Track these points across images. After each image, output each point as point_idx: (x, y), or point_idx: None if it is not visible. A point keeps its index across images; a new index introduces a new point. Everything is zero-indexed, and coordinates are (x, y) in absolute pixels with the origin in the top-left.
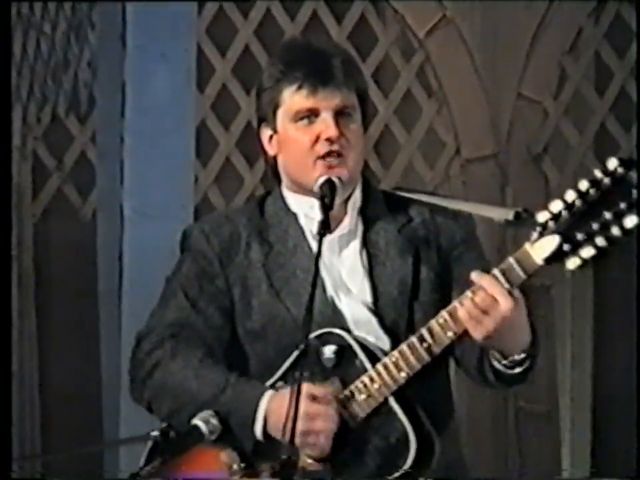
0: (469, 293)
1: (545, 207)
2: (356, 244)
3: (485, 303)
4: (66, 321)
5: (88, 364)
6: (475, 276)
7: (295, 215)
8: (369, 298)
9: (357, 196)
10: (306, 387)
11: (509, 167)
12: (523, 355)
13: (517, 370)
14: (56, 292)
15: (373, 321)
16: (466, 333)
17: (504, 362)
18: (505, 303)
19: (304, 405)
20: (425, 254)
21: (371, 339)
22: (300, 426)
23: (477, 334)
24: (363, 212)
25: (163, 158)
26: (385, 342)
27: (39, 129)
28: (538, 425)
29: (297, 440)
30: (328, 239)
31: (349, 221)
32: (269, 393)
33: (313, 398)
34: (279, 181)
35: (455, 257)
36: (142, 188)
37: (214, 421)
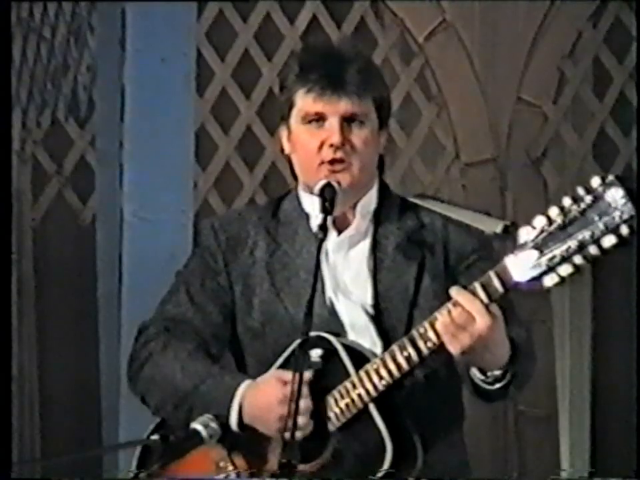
0: (449, 306)
1: (544, 211)
2: (365, 246)
3: (461, 318)
4: (65, 324)
5: (87, 367)
6: (453, 291)
7: (307, 215)
8: (369, 301)
9: (371, 200)
10: (275, 374)
11: (509, 171)
12: (501, 371)
13: (497, 386)
14: (56, 296)
15: (370, 325)
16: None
17: (482, 377)
18: (481, 321)
19: (277, 389)
20: (430, 261)
21: (366, 343)
22: (278, 410)
23: (452, 348)
24: (376, 215)
25: (162, 162)
26: (379, 348)
27: (39, 133)
28: (537, 429)
29: (279, 426)
30: (337, 239)
31: (357, 224)
32: (245, 383)
33: (284, 382)
34: (297, 179)
35: (463, 269)
36: (141, 192)
37: (213, 424)
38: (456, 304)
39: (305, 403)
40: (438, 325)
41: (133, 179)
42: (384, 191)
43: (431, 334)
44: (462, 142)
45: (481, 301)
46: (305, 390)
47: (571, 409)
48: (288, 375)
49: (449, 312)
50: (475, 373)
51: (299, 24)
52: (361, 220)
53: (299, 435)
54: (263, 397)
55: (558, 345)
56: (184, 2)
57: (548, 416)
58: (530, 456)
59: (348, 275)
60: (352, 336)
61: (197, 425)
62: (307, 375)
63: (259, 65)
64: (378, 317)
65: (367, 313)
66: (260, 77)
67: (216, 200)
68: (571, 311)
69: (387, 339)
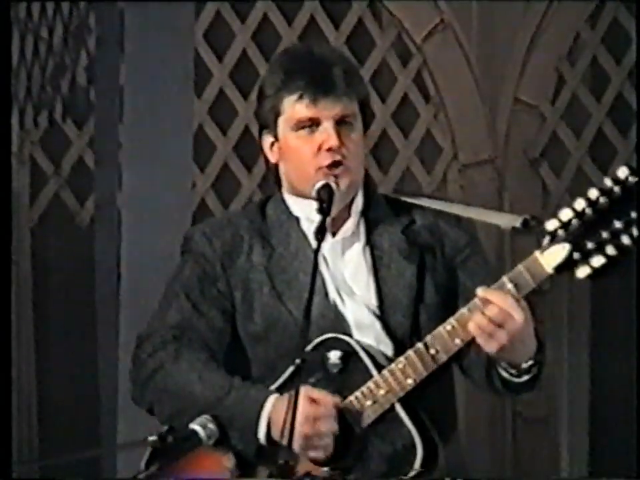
0: (478, 304)
1: (543, 212)
2: (359, 246)
3: (499, 317)
4: (63, 326)
5: (86, 369)
6: (481, 292)
7: (296, 219)
8: (373, 300)
9: (359, 200)
10: (305, 390)
11: (507, 171)
12: (530, 363)
13: (525, 378)
14: (54, 297)
15: (377, 324)
16: (473, 341)
17: (511, 371)
18: (518, 317)
19: (305, 408)
20: (429, 257)
21: (373, 343)
22: (304, 429)
23: (490, 348)
24: (365, 215)
25: (160, 163)
26: (387, 346)
27: (36, 133)
28: (536, 430)
29: (301, 443)
30: (331, 241)
31: (352, 224)
32: (273, 397)
33: (313, 401)
34: (280, 186)
35: (460, 262)
36: (139, 193)
37: (211, 425)
38: (486, 302)
39: (330, 425)
40: (472, 326)
41: (131, 180)
42: (368, 190)
43: (459, 330)
44: (460, 143)
45: (513, 297)
46: (333, 412)
47: (570, 409)
48: (317, 393)
49: (483, 312)
50: (505, 367)
51: (297, 25)
52: (354, 220)
53: (320, 454)
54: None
55: (556, 345)
56: (182, 3)
57: (546, 417)
58: (528, 457)
59: (347, 276)
60: (357, 336)
61: (195, 426)
62: (335, 399)
63: (256, 65)
64: (384, 315)
65: (372, 312)
66: (258, 78)
67: (214, 201)
68: (569, 311)
69: (394, 337)
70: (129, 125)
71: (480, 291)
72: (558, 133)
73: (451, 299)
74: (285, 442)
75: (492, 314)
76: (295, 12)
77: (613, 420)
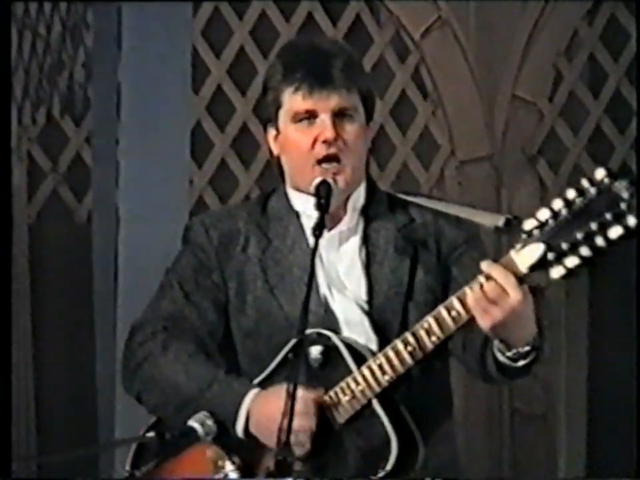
0: (480, 280)
1: (540, 209)
2: (355, 241)
3: (493, 293)
4: (61, 322)
5: (83, 365)
6: (485, 265)
7: (296, 213)
8: (363, 296)
9: (360, 195)
10: (285, 387)
11: (504, 168)
12: (527, 348)
13: (521, 363)
14: (51, 294)
15: (365, 321)
16: (462, 327)
17: (508, 354)
18: (514, 295)
19: (283, 404)
20: (423, 255)
21: (361, 339)
22: (280, 425)
23: (485, 323)
24: (364, 211)
25: (158, 159)
26: (375, 343)
27: (34, 130)
28: (534, 427)
29: (277, 439)
30: (327, 235)
31: (349, 219)
32: (253, 391)
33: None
34: (284, 180)
35: (454, 259)
36: (137, 189)
37: (209, 422)
38: (488, 278)
39: (308, 423)
40: (469, 300)
41: (128, 177)
42: (371, 186)
43: (435, 328)
44: (457, 139)
45: (515, 276)
46: (312, 409)
47: (567, 407)
48: (298, 390)
49: (481, 287)
50: (500, 348)
51: (295, 21)
52: (351, 216)
53: (298, 451)
54: (269, 407)
55: (554, 343)
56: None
57: (544, 414)
58: (525, 455)
59: (341, 271)
60: (346, 332)
61: (193, 423)
62: (316, 394)
63: (254, 62)
64: (373, 312)
65: (361, 308)
66: (255, 74)
67: (211, 197)
68: (567, 308)
69: (382, 334)
70: (127, 121)
71: (484, 264)
72: (556, 129)
73: (444, 296)
74: (282, 438)
75: (488, 289)
76: (293, 8)
77: (611, 418)
